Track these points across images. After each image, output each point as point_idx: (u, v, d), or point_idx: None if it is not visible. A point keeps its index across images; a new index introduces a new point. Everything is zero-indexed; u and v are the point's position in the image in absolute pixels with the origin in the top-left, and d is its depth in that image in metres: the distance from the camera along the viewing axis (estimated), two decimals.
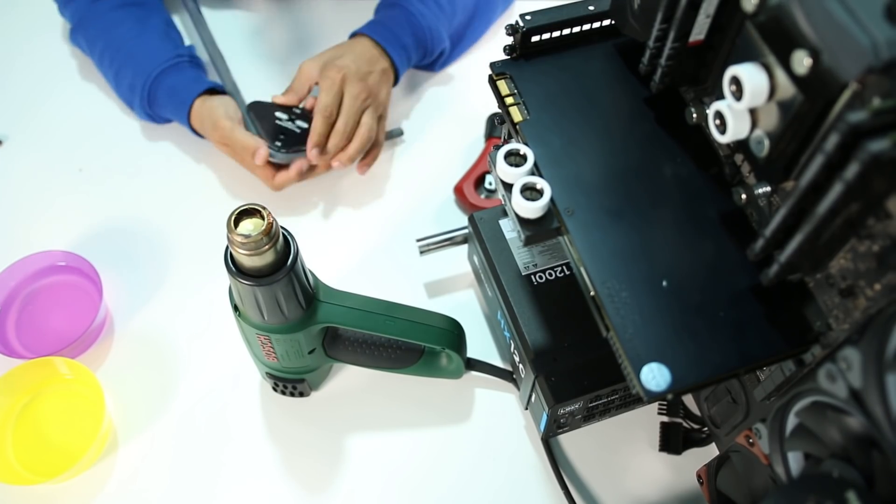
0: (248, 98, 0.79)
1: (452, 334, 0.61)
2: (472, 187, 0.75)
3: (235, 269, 0.51)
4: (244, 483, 0.62)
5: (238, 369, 0.66)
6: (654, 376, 0.41)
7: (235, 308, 0.55)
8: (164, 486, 0.61)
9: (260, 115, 0.75)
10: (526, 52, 0.54)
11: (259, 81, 0.83)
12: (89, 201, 0.75)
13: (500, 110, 0.53)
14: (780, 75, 0.38)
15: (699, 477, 0.59)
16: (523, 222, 0.47)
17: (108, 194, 0.76)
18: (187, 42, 0.81)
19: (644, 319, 0.43)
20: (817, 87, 0.36)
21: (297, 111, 0.76)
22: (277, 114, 0.75)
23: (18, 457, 0.61)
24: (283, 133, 0.74)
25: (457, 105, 0.83)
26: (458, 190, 0.75)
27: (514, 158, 0.48)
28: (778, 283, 0.42)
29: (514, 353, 0.63)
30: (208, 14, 0.87)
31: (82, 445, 0.62)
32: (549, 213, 0.47)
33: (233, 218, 0.48)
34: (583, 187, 0.48)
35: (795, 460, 0.47)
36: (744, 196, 0.45)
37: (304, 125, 0.75)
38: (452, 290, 0.71)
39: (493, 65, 0.54)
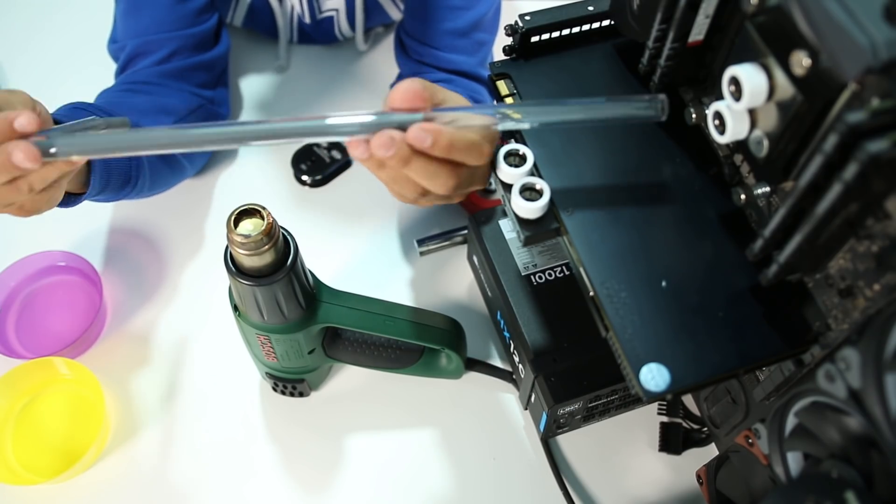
0: None
1: (452, 334, 0.61)
2: None
3: (235, 269, 0.51)
4: (244, 483, 0.62)
5: (238, 369, 0.66)
6: (654, 377, 0.41)
7: (235, 308, 0.55)
8: (164, 487, 0.61)
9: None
10: (525, 53, 0.54)
11: None
12: (89, 201, 0.75)
13: None
14: (779, 76, 0.38)
15: (699, 477, 0.59)
16: (523, 223, 0.47)
17: None
18: None
19: (643, 320, 0.43)
20: (816, 87, 0.36)
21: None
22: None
23: (18, 457, 0.62)
24: (311, 159, 0.76)
25: None
26: None
27: (514, 159, 0.48)
28: (777, 283, 0.42)
29: (513, 353, 0.63)
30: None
31: (82, 446, 0.62)
32: (549, 214, 0.47)
33: (233, 218, 0.48)
34: (582, 188, 0.48)
35: (795, 460, 0.47)
36: (743, 196, 0.45)
37: (338, 157, 0.77)
38: (452, 290, 0.71)
39: (492, 65, 0.54)
